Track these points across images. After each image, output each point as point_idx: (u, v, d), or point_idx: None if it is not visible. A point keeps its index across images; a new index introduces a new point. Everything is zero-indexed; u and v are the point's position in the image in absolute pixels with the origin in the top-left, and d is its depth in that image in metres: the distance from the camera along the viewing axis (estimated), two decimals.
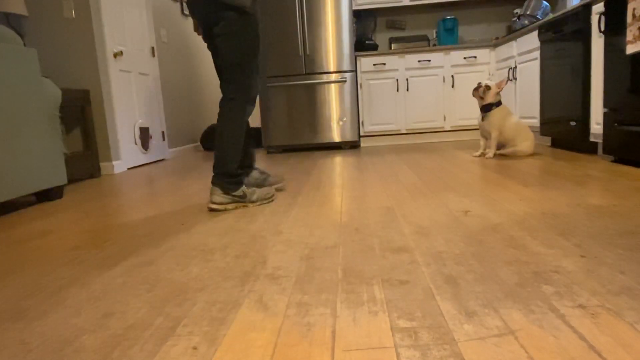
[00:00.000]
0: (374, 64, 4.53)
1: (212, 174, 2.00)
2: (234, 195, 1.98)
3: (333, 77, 4.41)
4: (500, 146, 3.13)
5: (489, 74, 4.50)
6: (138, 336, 0.89)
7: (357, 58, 4.53)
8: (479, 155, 3.15)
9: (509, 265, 1.12)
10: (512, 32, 4.18)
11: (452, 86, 4.53)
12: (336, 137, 4.50)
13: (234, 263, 1.28)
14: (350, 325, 0.88)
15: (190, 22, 5.48)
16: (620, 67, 2.44)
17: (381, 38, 5.18)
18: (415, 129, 4.60)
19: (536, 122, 3.62)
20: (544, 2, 4.11)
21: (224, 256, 1.35)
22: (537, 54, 3.52)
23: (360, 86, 4.58)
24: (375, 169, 2.94)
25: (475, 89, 3.07)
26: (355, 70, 4.46)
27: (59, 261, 1.41)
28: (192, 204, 2.18)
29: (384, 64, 4.53)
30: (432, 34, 5.07)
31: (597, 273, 1.04)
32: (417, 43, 4.76)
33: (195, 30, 2.14)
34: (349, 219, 1.70)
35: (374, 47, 4.80)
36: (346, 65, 4.39)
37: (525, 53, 3.75)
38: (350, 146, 4.58)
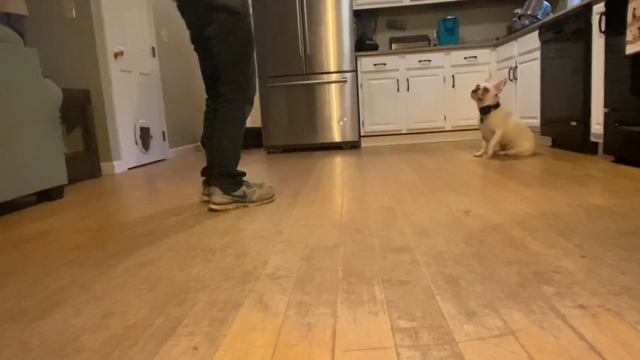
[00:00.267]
0: (375, 64, 4.53)
1: (211, 174, 2.00)
2: (234, 195, 1.98)
3: (333, 77, 4.41)
4: (501, 147, 3.13)
5: (489, 75, 4.50)
6: (138, 336, 0.89)
7: (358, 58, 4.53)
8: (480, 155, 3.15)
9: (509, 266, 1.12)
10: (513, 32, 4.18)
11: (453, 86, 4.53)
12: (336, 137, 4.50)
13: (235, 263, 1.28)
14: (350, 325, 0.88)
15: None
16: (621, 67, 2.44)
17: (382, 38, 5.18)
18: (416, 129, 4.60)
19: (537, 122, 3.61)
20: (545, 2, 4.11)
21: (225, 256, 1.35)
22: (537, 54, 3.52)
23: (361, 86, 4.57)
24: (375, 169, 2.94)
25: (474, 91, 3.05)
26: (356, 70, 4.46)
27: (59, 261, 1.41)
28: (192, 204, 2.18)
29: (385, 64, 4.53)
30: (433, 34, 5.07)
31: (598, 273, 1.04)
32: (418, 43, 4.76)
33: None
34: (349, 219, 1.70)
35: (375, 47, 4.80)
36: (346, 65, 4.39)
37: (526, 53, 3.75)
38: (350, 146, 4.58)
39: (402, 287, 1.03)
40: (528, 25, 3.96)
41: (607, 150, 2.64)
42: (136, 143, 3.98)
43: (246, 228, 1.66)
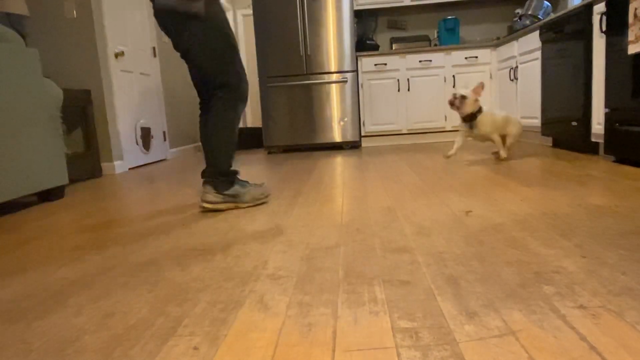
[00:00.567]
0: (375, 64, 4.53)
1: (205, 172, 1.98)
2: (225, 195, 1.96)
3: (334, 77, 4.41)
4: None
5: (490, 75, 4.50)
6: (139, 336, 0.89)
7: (358, 58, 4.53)
8: (448, 156, 2.93)
9: (510, 266, 1.12)
10: (514, 32, 4.18)
11: (454, 86, 4.53)
12: (337, 137, 4.50)
13: (235, 263, 1.28)
14: (351, 325, 0.88)
15: None
16: (622, 67, 2.43)
17: (382, 38, 5.18)
18: (417, 129, 4.60)
19: (537, 122, 3.61)
20: (545, 2, 4.11)
21: (225, 256, 1.35)
22: (538, 54, 3.52)
23: (361, 86, 4.57)
24: (376, 169, 2.93)
25: (451, 101, 2.81)
26: (356, 71, 4.46)
27: (60, 261, 1.41)
28: (193, 204, 2.18)
29: (385, 64, 4.53)
30: (433, 34, 5.07)
31: (598, 273, 1.04)
32: (418, 43, 4.76)
33: None
34: (350, 219, 1.70)
35: (375, 47, 4.80)
36: (347, 66, 4.39)
37: (527, 53, 3.75)
38: (351, 146, 4.58)
39: (402, 287, 1.03)
40: (529, 25, 3.96)
41: (607, 151, 2.64)
42: (137, 143, 3.99)
43: (247, 228, 1.66)
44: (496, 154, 3.01)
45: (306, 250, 1.36)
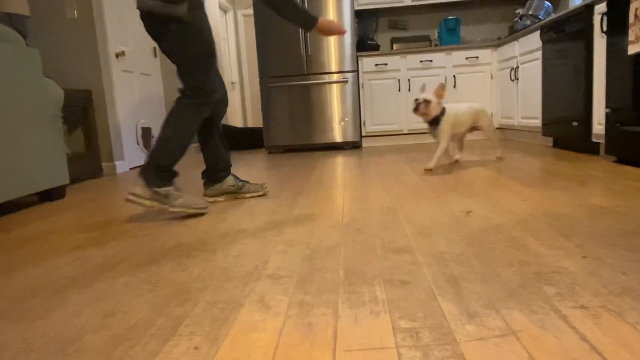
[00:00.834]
0: (376, 64, 4.53)
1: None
2: (155, 192, 1.87)
3: (335, 77, 4.41)
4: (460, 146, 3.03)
5: (490, 75, 4.49)
6: (140, 336, 0.89)
7: (359, 58, 4.53)
8: (430, 169, 2.78)
9: (510, 266, 1.12)
10: (514, 33, 4.18)
11: (454, 86, 4.53)
12: (338, 138, 4.50)
13: (236, 263, 1.28)
14: (351, 325, 0.88)
15: None
16: (623, 67, 2.43)
17: (383, 38, 5.18)
18: (417, 129, 4.59)
19: (538, 122, 3.61)
20: (546, 2, 4.11)
21: (226, 256, 1.35)
22: (539, 54, 3.52)
23: (362, 86, 4.58)
24: (376, 169, 2.93)
25: (415, 109, 2.69)
26: (357, 71, 4.46)
27: (60, 261, 1.42)
28: None
29: (386, 64, 4.53)
30: (434, 34, 5.07)
31: (599, 274, 1.04)
32: (419, 43, 4.76)
33: None
34: (350, 219, 1.70)
35: (376, 47, 4.80)
36: (348, 66, 4.39)
37: (527, 53, 3.75)
38: (351, 146, 4.58)
39: (403, 288, 1.03)
40: (529, 26, 3.96)
41: (608, 151, 2.63)
42: (137, 143, 3.99)
43: (247, 228, 1.66)
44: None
45: (307, 250, 1.36)
